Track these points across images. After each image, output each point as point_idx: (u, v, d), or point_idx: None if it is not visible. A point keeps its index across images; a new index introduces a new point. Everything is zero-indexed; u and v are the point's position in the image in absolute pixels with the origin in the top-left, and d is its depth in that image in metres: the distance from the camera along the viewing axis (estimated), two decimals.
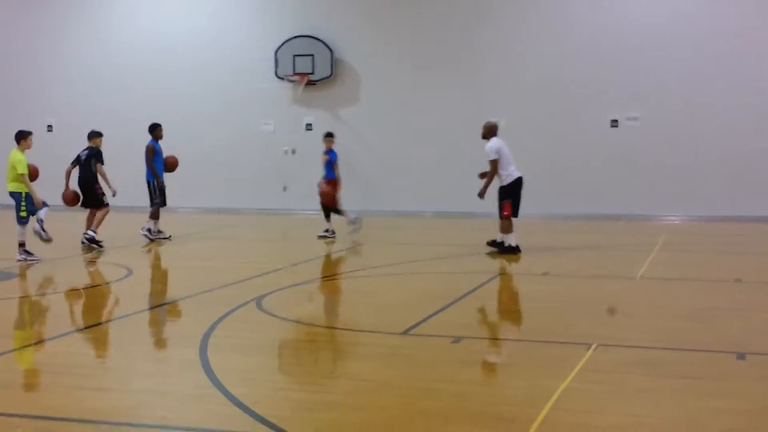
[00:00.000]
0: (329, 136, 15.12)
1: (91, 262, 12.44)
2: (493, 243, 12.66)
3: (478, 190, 12.54)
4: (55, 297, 10.04)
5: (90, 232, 13.40)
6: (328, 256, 12.94)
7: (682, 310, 8.57)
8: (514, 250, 12.33)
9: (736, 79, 16.90)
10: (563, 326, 7.88)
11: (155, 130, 14.64)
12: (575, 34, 17.74)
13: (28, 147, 12.33)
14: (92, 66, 20.66)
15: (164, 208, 14.73)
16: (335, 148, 15.06)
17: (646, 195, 17.43)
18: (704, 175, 17.14)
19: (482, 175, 12.67)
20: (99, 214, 13.49)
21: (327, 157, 14.91)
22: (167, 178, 14.78)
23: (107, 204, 13.57)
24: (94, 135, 13.83)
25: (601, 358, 6.65)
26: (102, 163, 13.52)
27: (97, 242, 13.38)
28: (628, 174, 17.52)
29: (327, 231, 14.74)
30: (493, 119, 13.05)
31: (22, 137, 12.29)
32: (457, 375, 6.32)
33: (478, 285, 10.08)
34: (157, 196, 14.45)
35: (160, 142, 14.63)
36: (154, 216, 14.52)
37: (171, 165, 14.70)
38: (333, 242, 14.38)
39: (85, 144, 13.79)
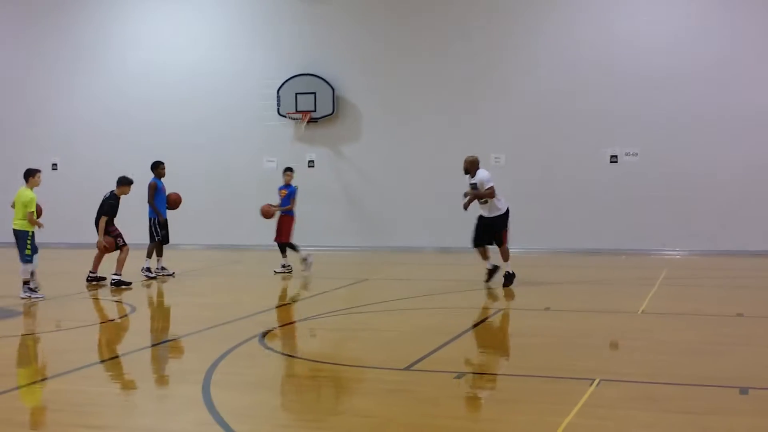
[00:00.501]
0: (289, 170, 15.17)
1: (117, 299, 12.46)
2: (503, 275, 12.70)
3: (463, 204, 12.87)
4: (59, 334, 10.05)
5: (115, 276, 13.40)
6: (329, 291, 12.95)
7: (684, 345, 8.57)
8: (513, 277, 12.71)
9: (734, 114, 16.99)
10: (566, 361, 7.88)
11: (157, 168, 14.71)
12: (574, 70, 17.88)
13: (37, 184, 12.39)
14: (97, 105, 20.82)
15: (167, 245, 14.77)
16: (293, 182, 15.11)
17: (646, 230, 17.47)
18: (704, 210, 17.19)
19: (467, 195, 12.88)
20: (121, 255, 13.45)
21: (285, 191, 14.95)
22: (170, 215, 14.85)
23: (125, 244, 13.55)
24: (122, 183, 13.53)
25: (604, 393, 6.65)
26: (108, 215, 13.33)
27: (125, 282, 13.42)
28: (628, 209, 17.58)
29: (284, 266, 14.84)
30: (473, 154, 13.20)
31: (30, 175, 12.34)
32: (460, 411, 6.33)
33: (480, 320, 10.09)
34: (158, 233, 14.47)
35: (162, 179, 14.70)
36: (158, 253, 14.57)
37: (173, 202, 14.75)
38: (290, 277, 14.44)
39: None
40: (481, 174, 12.73)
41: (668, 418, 6.01)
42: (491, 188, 12.57)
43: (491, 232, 12.72)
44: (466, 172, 12.87)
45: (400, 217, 18.99)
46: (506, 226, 12.74)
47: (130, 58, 20.65)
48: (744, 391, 6.62)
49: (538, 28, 18.18)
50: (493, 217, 12.69)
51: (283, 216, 14.99)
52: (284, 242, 14.99)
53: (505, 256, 12.69)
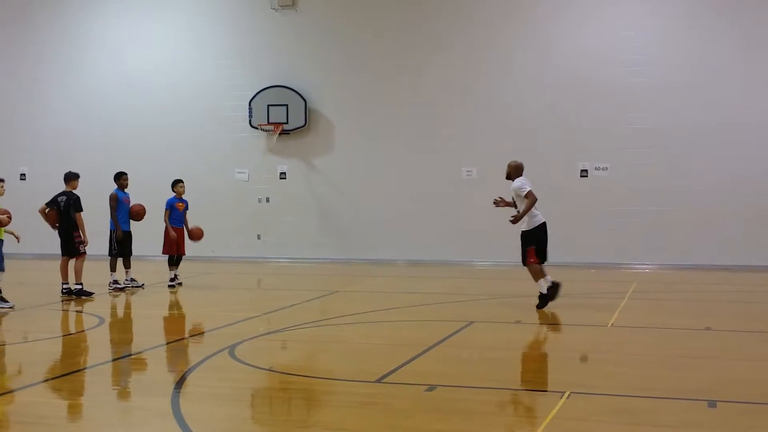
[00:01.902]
0: (181, 182, 15.06)
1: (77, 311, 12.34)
2: (542, 298, 11.87)
3: (511, 217, 11.83)
4: (25, 346, 9.92)
5: (77, 286, 13.33)
6: (300, 304, 12.91)
7: (653, 358, 8.64)
8: (551, 295, 11.73)
9: (703, 129, 17.22)
10: (536, 374, 7.92)
11: (119, 178, 14.42)
12: (545, 85, 18.04)
13: (0, 194, 12.31)
14: (65, 115, 20.67)
15: (131, 256, 14.57)
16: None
17: (616, 243, 17.62)
18: (673, 224, 17.38)
19: (500, 203, 12.03)
20: (77, 263, 13.36)
21: (183, 204, 14.90)
22: (140, 226, 14.66)
23: (83, 252, 13.43)
24: (71, 177, 13.57)
25: (575, 406, 6.68)
26: (80, 210, 13.31)
27: (87, 293, 13.33)
28: (598, 223, 17.73)
29: (176, 277, 14.83)
30: (518, 159, 12.17)
31: None
32: (432, 424, 6.32)
33: (452, 333, 10.11)
34: (116, 246, 14.25)
35: (125, 190, 14.46)
36: (125, 264, 14.40)
37: (136, 213, 14.41)
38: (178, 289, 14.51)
39: (56, 190, 13.65)
40: (518, 182, 11.72)
41: (637, 430, 6.05)
42: (530, 193, 11.48)
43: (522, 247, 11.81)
44: (508, 177, 11.91)
45: (371, 230, 19.00)
46: (532, 242, 11.68)
47: (100, 69, 20.54)
48: (712, 404, 6.68)
49: (510, 43, 18.32)
50: (523, 231, 11.80)
51: (179, 229, 14.86)
52: (183, 254, 14.92)
53: (534, 276, 11.78)
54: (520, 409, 6.64)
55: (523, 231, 11.81)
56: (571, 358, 8.86)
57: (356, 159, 19.18)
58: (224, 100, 19.70)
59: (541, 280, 11.77)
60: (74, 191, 13.49)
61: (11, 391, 7.56)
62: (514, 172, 11.94)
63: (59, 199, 13.46)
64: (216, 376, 7.97)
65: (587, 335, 10.06)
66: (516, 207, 11.87)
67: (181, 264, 14.92)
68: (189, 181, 19.33)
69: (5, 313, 11.74)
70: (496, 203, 12.09)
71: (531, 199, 11.56)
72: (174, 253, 14.80)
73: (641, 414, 6.45)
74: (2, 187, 12.42)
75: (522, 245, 11.82)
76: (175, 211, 14.82)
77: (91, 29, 20.58)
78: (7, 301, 12.10)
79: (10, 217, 12.20)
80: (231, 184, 19.72)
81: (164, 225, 14.72)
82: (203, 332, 10.14)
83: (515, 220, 11.77)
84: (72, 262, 13.46)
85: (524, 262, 11.84)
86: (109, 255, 14.28)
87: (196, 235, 14.92)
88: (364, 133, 19.13)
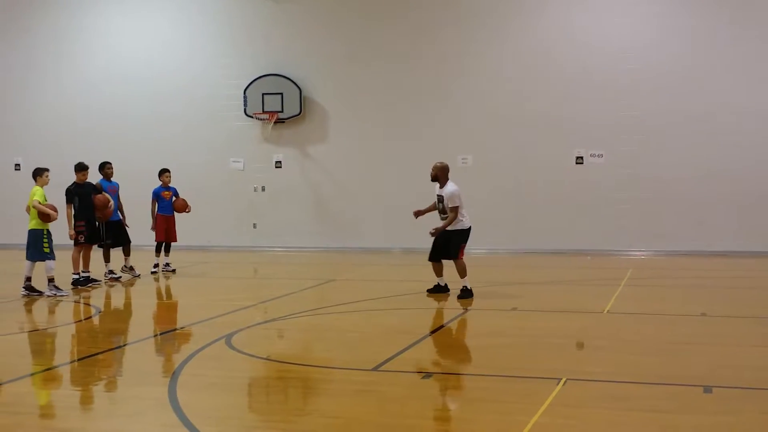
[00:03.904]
0: (168, 171, 15.25)
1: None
2: (463, 292, 11.78)
3: (431, 227, 11.88)
4: (23, 336, 9.91)
5: (84, 274, 13.51)
6: (296, 292, 12.92)
7: (648, 345, 8.67)
8: (440, 290, 11.97)
9: (698, 117, 17.22)
10: (532, 361, 7.93)
11: (102, 168, 14.29)
12: (541, 72, 18.01)
13: (45, 183, 12.55)
14: (59, 105, 20.59)
15: (125, 245, 14.53)
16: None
17: (611, 230, 17.64)
18: (668, 211, 17.39)
19: (418, 214, 12.14)
20: (74, 254, 13.39)
21: (170, 193, 15.17)
22: (131, 216, 14.65)
23: (78, 243, 13.38)
24: (76, 169, 13.47)
25: (570, 392, 6.70)
26: (68, 203, 13.23)
27: (85, 281, 13.45)
28: (593, 210, 17.74)
29: (168, 264, 15.22)
30: (443, 161, 12.07)
31: (38, 174, 12.58)
32: (428, 411, 6.34)
33: (448, 321, 10.12)
34: (103, 237, 14.07)
35: (111, 180, 14.32)
36: (125, 252, 14.41)
37: (100, 204, 13.62)
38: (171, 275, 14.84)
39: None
40: (450, 188, 11.61)
41: (633, 416, 6.07)
42: (456, 209, 11.52)
43: (448, 246, 11.74)
44: (434, 179, 11.81)
45: (366, 218, 18.99)
46: (465, 241, 11.73)
47: (93, 58, 20.46)
48: (708, 389, 6.70)
49: (504, 31, 18.28)
50: (452, 231, 11.71)
51: (169, 216, 15.18)
52: (174, 240, 15.26)
53: (462, 272, 11.70)
54: (516, 396, 6.66)
55: (451, 230, 11.67)
56: (566, 344, 8.88)
57: (351, 147, 19.16)
58: (219, 88, 19.64)
59: (467, 278, 11.70)
60: (79, 182, 13.41)
61: (8, 381, 7.56)
62: (442, 174, 11.77)
63: None
64: (213, 365, 7.97)
65: (583, 322, 10.08)
66: (438, 210, 11.81)
67: (178, 253, 14.94)
68: (184, 170, 19.42)
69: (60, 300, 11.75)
70: (416, 215, 12.14)
71: (455, 214, 11.52)
72: (164, 239, 15.06)
73: (637, 400, 6.47)
74: (47, 176, 12.59)
75: (451, 242, 11.67)
76: (162, 200, 15.09)
77: (84, 18, 20.48)
78: (62, 289, 12.44)
79: (57, 211, 12.45)
80: (226, 173, 19.70)
81: (154, 214, 15.12)
82: (200, 321, 10.14)
83: (436, 232, 11.72)
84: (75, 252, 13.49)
85: (454, 257, 11.68)
86: (100, 246, 14.19)
87: (180, 207, 15.18)
88: (360, 121, 19.10)
